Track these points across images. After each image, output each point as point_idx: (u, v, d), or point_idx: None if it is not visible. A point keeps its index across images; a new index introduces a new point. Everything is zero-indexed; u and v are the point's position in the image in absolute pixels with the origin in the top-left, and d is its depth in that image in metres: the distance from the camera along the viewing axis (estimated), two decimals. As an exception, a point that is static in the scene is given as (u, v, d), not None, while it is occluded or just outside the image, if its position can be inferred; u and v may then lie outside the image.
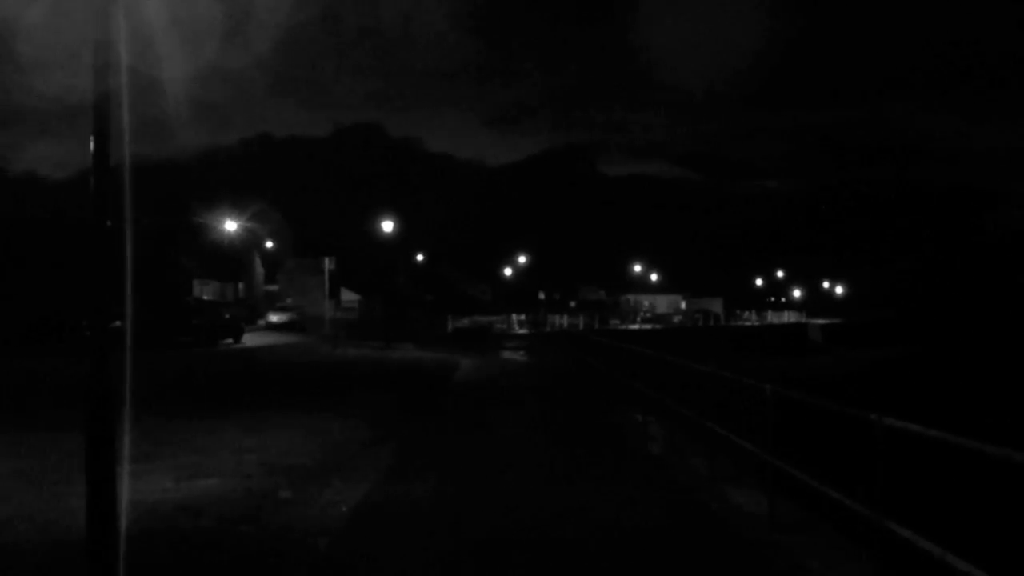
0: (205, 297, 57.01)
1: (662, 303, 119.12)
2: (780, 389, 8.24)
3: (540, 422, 17.77)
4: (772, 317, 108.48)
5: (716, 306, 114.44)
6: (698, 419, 12.37)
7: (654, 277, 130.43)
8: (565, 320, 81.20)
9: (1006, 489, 5.45)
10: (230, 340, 43.31)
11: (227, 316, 45.55)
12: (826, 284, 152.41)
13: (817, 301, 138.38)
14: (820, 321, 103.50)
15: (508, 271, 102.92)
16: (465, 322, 67.04)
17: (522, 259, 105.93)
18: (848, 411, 6.40)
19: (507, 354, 45.69)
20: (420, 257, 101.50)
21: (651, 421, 16.75)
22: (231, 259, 66.20)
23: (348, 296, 79.13)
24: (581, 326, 76.71)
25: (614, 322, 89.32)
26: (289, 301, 71.51)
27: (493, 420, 17.81)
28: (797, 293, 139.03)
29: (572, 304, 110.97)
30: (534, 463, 12.65)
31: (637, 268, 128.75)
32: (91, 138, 5.50)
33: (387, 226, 45.49)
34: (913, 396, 38.27)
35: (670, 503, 9.96)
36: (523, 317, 77.59)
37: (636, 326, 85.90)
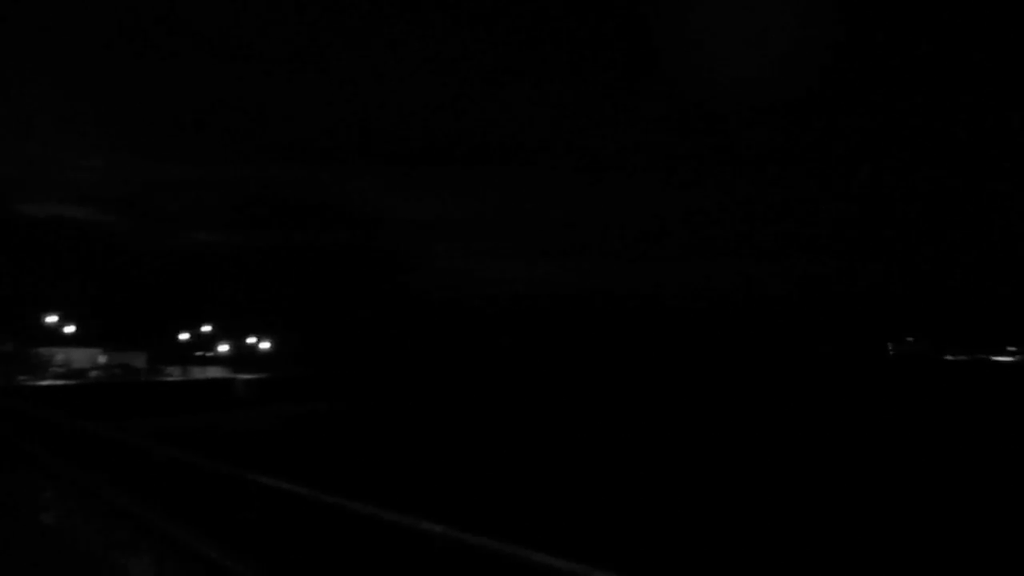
0: None
1: (80, 356, 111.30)
2: (171, 450, 8.39)
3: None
4: (197, 372, 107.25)
5: (139, 360, 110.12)
6: (97, 486, 11.97)
7: (70, 328, 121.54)
8: (-39, 376, 72.14)
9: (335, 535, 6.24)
10: None
11: None
12: (252, 339, 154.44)
13: (243, 356, 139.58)
14: (245, 376, 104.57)
15: None
16: None
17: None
18: (225, 470, 6.79)
19: None
20: None
21: (49, 487, 15.73)
22: None
23: None
24: (-19, 382, 68.65)
25: (22, 378, 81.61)
26: None
27: None
28: (224, 348, 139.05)
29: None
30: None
31: (53, 319, 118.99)
32: None
33: None
34: (323, 449, 40.38)
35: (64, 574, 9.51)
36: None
37: (47, 382, 79.28)
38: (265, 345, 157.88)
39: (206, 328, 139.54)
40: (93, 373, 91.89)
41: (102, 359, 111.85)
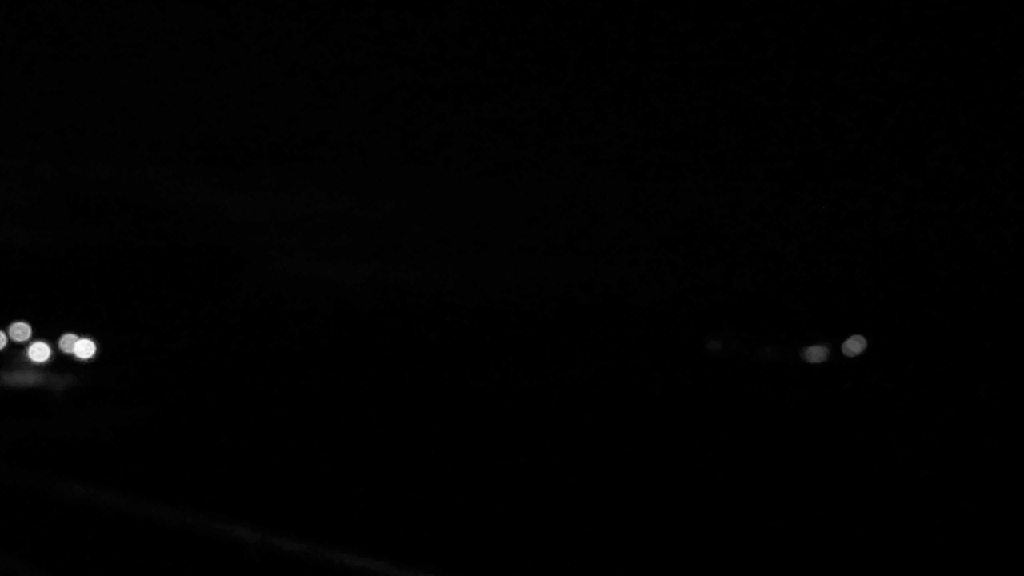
0: None
1: None
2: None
3: None
4: (11, 377, 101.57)
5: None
6: None
7: None
8: None
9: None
10: None
11: None
12: (72, 343, 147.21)
13: (63, 360, 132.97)
14: (64, 381, 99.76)
15: None
16: None
17: None
18: (27, 482, 6.66)
19: None
20: None
21: None
22: None
23: None
24: None
25: None
26: None
27: None
28: (43, 351, 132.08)
29: None
30: None
31: None
32: None
33: None
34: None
35: None
36: None
37: None
38: (87, 349, 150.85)
39: (21, 330, 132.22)
40: None
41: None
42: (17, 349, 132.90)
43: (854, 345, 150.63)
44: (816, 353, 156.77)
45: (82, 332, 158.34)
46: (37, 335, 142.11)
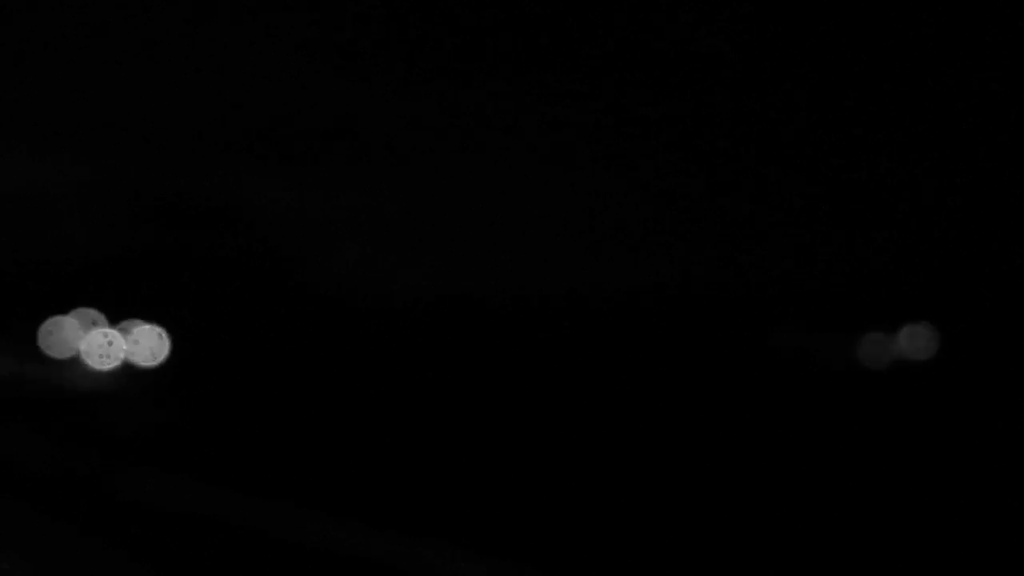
0: None
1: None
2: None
3: None
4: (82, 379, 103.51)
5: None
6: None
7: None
8: None
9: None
10: None
11: None
12: (145, 338, 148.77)
13: (127, 367, 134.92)
14: (136, 381, 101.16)
15: None
16: None
17: None
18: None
19: None
20: None
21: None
22: None
23: None
24: None
25: None
26: None
27: None
28: (114, 349, 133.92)
29: None
30: None
31: None
32: None
33: None
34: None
35: None
36: None
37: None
38: (159, 345, 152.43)
39: (93, 318, 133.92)
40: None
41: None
42: (88, 351, 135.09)
43: (920, 339, 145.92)
44: (878, 348, 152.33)
45: (154, 329, 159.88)
46: (109, 334, 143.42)
